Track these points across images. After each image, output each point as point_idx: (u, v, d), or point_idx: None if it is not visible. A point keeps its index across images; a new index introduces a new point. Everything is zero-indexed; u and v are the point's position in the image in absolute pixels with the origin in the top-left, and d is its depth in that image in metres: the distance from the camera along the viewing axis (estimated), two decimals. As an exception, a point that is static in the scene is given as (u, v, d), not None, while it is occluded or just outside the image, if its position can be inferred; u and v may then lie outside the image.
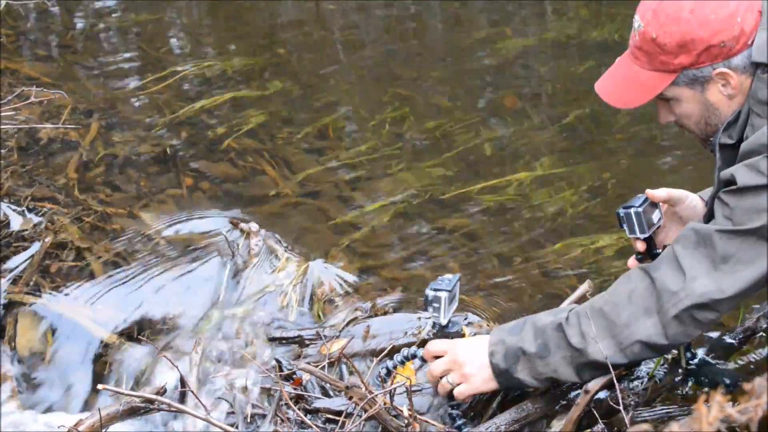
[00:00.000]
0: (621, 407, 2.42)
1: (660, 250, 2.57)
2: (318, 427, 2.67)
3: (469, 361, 2.55)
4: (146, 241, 3.56)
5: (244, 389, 2.95)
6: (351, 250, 3.57)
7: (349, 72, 5.12)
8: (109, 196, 3.81)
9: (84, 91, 4.61)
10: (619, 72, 2.49)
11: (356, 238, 3.64)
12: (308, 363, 2.87)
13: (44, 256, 3.40)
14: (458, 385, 2.57)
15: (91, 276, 3.38)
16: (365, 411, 2.49)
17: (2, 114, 3.86)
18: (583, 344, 2.43)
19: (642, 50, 2.42)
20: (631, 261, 2.66)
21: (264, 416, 2.80)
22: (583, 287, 2.95)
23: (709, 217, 2.46)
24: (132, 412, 2.68)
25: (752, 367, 2.83)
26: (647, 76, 2.42)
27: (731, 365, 2.81)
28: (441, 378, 2.61)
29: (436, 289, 2.61)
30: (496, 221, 3.76)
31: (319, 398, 2.79)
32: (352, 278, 3.37)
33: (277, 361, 3.00)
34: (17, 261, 3.40)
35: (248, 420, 2.84)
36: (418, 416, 2.57)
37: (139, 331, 3.19)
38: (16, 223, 3.56)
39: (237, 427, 2.78)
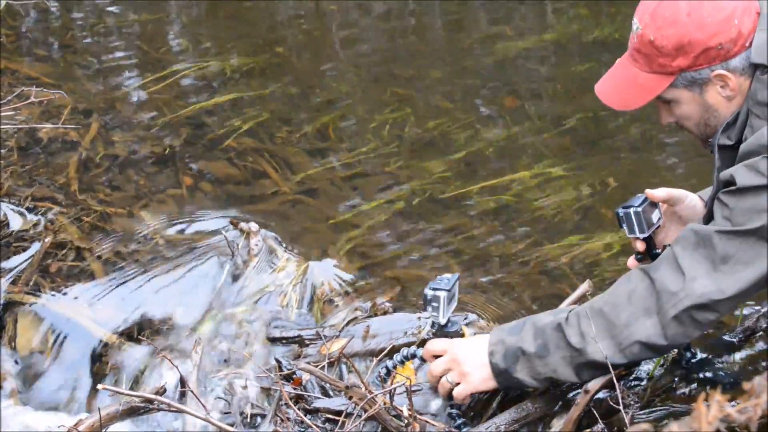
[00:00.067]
0: (621, 407, 2.42)
1: (660, 250, 2.57)
2: (318, 426, 2.67)
3: (469, 360, 2.56)
4: (146, 240, 3.56)
5: (244, 389, 2.95)
6: (351, 249, 3.57)
7: (348, 71, 5.12)
8: (109, 196, 3.81)
9: (84, 91, 4.61)
10: (619, 74, 2.50)
11: (356, 237, 3.64)
12: (308, 363, 2.87)
13: (44, 256, 3.40)
14: (457, 384, 2.57)
15: (91, 276, 3.38)
16: (365, 411, 2.50)
17: (2, 114, 3.87)
18: (582, 344, 2.43)
19: (640, 52, 2.42)
20: (631, 261, 2.66)
21: (264, 416, 2.80)
22: (583, 287, 2.95)
23: (708, 217, 2.46)
24: (132, 412, 2.68)
25: (751, 366, 2.83)
26: (646, 78, 2.42)
27: (731, 365, 2.80)
28: (441, 378, 2.61)
29: (434, 289, 2.61)
30: (496, 221, 3.77)
31: (319, 398, 2.79)
32: (351, 278, 3.37)
33: (277, 361, 3.00)
34: (17, 261, 3.40)
35: (248, 420, 2.84)
36: (418, 416, 2.57)
37: (139, 330, 3.19)
38: (16, 223, 3.57)
39: (236, 427, 2.77)
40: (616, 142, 4.34)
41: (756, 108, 2.34)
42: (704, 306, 2.34)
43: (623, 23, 5.00)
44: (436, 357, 2.63)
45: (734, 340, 2.87)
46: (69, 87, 4.51)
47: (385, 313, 3.18)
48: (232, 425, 2.72)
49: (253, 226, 3.48)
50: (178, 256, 3.46)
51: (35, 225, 3.56)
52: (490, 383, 2.56)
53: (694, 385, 2.72)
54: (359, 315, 3.18)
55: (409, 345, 2.87)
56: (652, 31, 2.38)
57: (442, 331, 2.66)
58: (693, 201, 2.65)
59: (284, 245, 3.48)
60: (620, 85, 2.48)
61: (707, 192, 2.61)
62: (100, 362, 3.14)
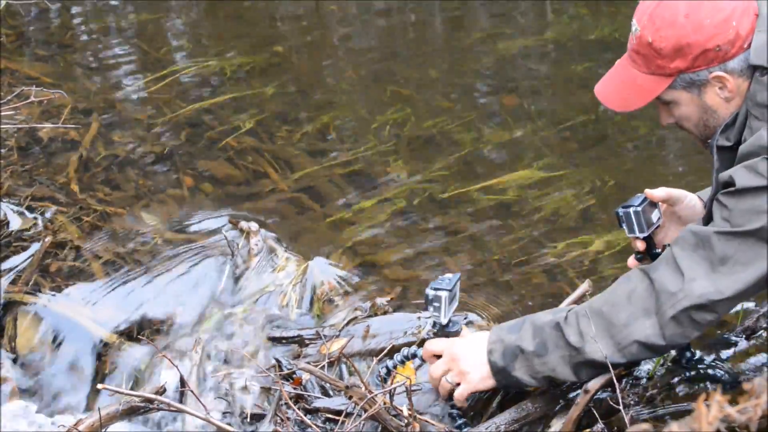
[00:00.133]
0: (621, 407, 2.42)
1: (659, 250, 2.57)
2: (318, 426, 2.67)
3: (467, 359, 2.56)
4: (146, 240, 3.56)
5: (244, 389, 2.95)
6: (351, 249, 3.57)
7: (348, 71, 5.12)
8: (109, 196, 3.81)
9: (84, 91, 4.61)
10: (618, 75, 2.50)
11: (356, 237, 3.64)
12: (308, 362, 2.87)
13: (44, 256, 3.40)
14: (457, 385, 2.57)
15: (91, 276, 3.39)
16: (365, 411, 2.49)
17: (2, 113, 3.87)
18: (581, 343, 2.43)
19: (639, 54, 2.42)
20: (631, 260, 2.66)
21: (264, 416, 2.80)
22: (583, 287, 2.95)
23: (707, 218, 2.46)
24: (132, 412, 2.68)
25: (751, 366, 2.83)
26: (644, 80, 2.43)
27: (731, 365, 2.80)
28: (441, 378, 2.61)
29: (436, 289, 2.61)
30: (496, 221, 3.76)
31: (319, 398, 2.79)
32: (351, 278, 3.37)
33: (277, 360, 3.00)
34: (17, 260, 3.40)
35: (248, 420, 2.84)
36: (418, 416, 2.57)
37: (138, 330, 3.19)
38: (16, 222, 3.57)
39: (236, 427, 2.78)
40: (616, 142, 4.34)
41: (755, 109, 2.34)
42: (703, 306, 2.34)
43: (623, 23, 5.00)
44: (436, 357, 2.63)
45: (734, 339, 2.87)
46: (69, 86, 4.52)
47: (385, 312, 3.18)
48: (231, 425, 2.72)
49: (253, 225, 3.48)
50: (178, 255, 3.46)
51: (35, 225, 3.56)
52: (488, 382, 2.56)
53: (695, 385, 2.72)
54: (359, 315, 3.18)
55: (409, 345, 2.87)
56: (650, 32, 2.38)
57: (443, 330, 2.66)
58: (692, 201, 2.65)
59: (284, 245, 3.48)
60: (619, 87, 2.49)
61: (706, 192, 2.61)
62: (100, 362, 3.14)
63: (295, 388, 2.84)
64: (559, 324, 2.47)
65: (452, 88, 4.90)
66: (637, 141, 4.33)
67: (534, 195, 3.89)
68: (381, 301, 3.23)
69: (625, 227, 2.58)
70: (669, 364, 2.74)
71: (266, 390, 2.92)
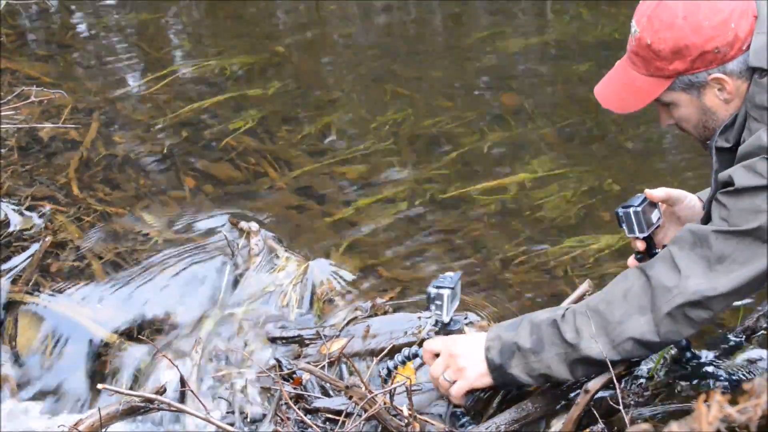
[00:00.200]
0: (621, 406, 2.42)
1: (659, 250, 2.57)
2: (318, 426, 2.68)
3: (465, 356, 2.56)
4: (146, 240, 3.56)
5: (244, 389, 2.95)
6: (351, 249, 3.57)
7: (348, 70, 5.13)
8: (109, 195, 3.82)
9: (84, 91, 4.62)
10: (617, 77, 2.50)
11: (356, 237, 3.64)
12: (308, 362, 2.87)
13: (44, 256, 3.40)
14: (454, 382, 2.57)
15: (91, 275, 3.39)
16: (365, 411, 2.50)
17: (2, 113, 3.87)
18: (576, 340, 2.43)
19: (638, 56, 2.42)
20: (631, 260, 2.67)
21: (264, 416, 2.80)
22: (583, 287, 2.95)
23: (706, 219, 2.46)
24: (132, 412, 2.68)
25: (751, 366, 2.83)
26: (643, 82, 2.43)
27: (731, 365, 2.81)
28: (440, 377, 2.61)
29: (438, 287, 2.62)
30: (496, 221, 3.77)
31: (319, 398, 2.79)
32: (352, 278, 3.38)
33: (277, 360, 3.00)
34: (17, 260, 3.40)
35: (248, 420, 2.84)
36: (418, 416, 2.57)
37: (139, 330, 3.19)
38: (17, 222, 3.57)
39: (236, 427, 2.78)
40: (616, 141, 4.34)
41: (754, 111, 2.34)
42: (697, 303, 2.34)
43: (623, 23, 5.01)
44: (436, 355, 2.63)
45: (734, 339, 2.87)
46: (69, 86, 4.52)
47: (385, 312, 3.18)
48: (232, 425, 2.72)
49: (254, 225, 3.49)
50: (178, 255, 3.47)
51: (35, 224, 3.56)
52: (485, 379, 2.56)
53: (695, 385, 2.72)
54: (359, 315, 3.18)
55: (409, 345, 2.87)
56: (649, 34, 2.38)
57: (445, 329, 2.66)
58: (692, 201, 2.66)
59: (284, 245, 3.48)
60: (618, 88, 2.49)
61: (706, 193, 2.61)
62: (100, 362, 3.14)
63: (295, 388, 2.84)
64: (555, 321, 2.47)
65: (452, 88, 4.90)
66: (637, 141, 4.33)
67: (534, 195, 3.89)
68: (381, 301, 3.23)
69: (625, 227, 2.59)
70: (669, 363, 2.74)
71: (266, 390, 2.92)
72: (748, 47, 2.34)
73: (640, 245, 2.61)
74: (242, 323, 3.20)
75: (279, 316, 3.22)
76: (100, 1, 5.76)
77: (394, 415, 2.54)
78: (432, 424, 2.61)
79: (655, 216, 2.61)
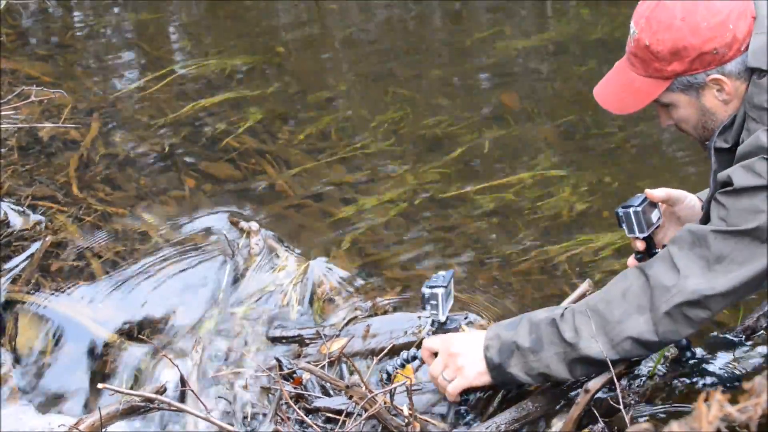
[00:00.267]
0: (621, 406, 2.42)
1: (659, 250, 2.58)
2: (318, 426, 2.68)
3: (464, 355, 2.56)
4: (146, 240, 3.56)
5: (244, 388, 2.95)
6: (351, 249, 3.57)
7: (349, 71, 5.13)
8: (109, 195, 3.82)
9: (84, 90, 4.61)
10: (616, 78, 2.50)
11: (357, 237, 3.64)
12: (308, 362, 2.87)
13: (44, 255, 3.40)
14: (452, 380, 2.57)
15: (92, 275, 3.39)
16: (365, 410, 2.50)
17: (2, 113, 3.87)
18: (575, 339, 2.43)
19: (637, 57, 2.42)
20: (631, 260, 2.67)
21: (264, 415, 2.80)
22: (583, 286, 2.95)
23: (705, 219, 2.47)
24: (132, 411, 2.68)
25: (752, 366, 2.83)
26: (642, 83, 2.43)
27: (731, 364, 2.81)
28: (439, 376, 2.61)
29: (432, 287, 2.61)
30: (496, 221, 3.77)
31: (320, 397, 2.79)
32: (352, 277, 3.38)
33: (277, 360, 3.00)
34: (17, 260, 3.40)
35: (248, 419, 2.84)
36: (418, 415, 2.58)
37: (139, 330, 3.19)
38: (17, 222, 3.57)
39: (236, 427, 2.78)
40: (617, 142, 4.34)
41: (753, 111, 2.34)
42: (696, 302, 2.34)
43: (623, 23, 5.00)
44: (435, 355, 2.63)
45: (734, 339, 2.87)
46: (69, 86, 4.52)
47: (385, 312, 3.19)
48: (232, 425, 2.72)
49: (254, 225, 3.49)
50: (179, 255, 3.47)
51: (36, 224, 3.56)
52: (484, 378, 2.56)
53: (695, 385, 2.72)
54: (359, 314, 3.18)
55: (408, 345, 2.87)
56: (647, 35, 2.38)
57: (441, 328, 2.66)
58: (692, 202, 2.66)
59: (284, 244, 3.48)
60: (617, 89, 2.49)
61: (706, 193, 2.62)
62: (100, 361, 3.14)
63: (295, 388, 2.84)
64: (554, 320, 2.47)
65: (453, 87, 4.90)
66: (638, 141, 4.33)
67: (534, 195, 3.90)
68: (381, 300, 3.23)
69: (625, 227, 2.59)
70: (669, 363, 2.74)
71: (266, 389, 2.92)
72: (747, 48, 2.34)
73: (640, 245, 2.61)
74: (242, 323, 3.20)
75: (279, 316, 3.22)
76: (100, 1, 5.76)
77: (395, 415, 2.54)
78: (432, 423, 2.61)
79: (655, 216, 2.61)
